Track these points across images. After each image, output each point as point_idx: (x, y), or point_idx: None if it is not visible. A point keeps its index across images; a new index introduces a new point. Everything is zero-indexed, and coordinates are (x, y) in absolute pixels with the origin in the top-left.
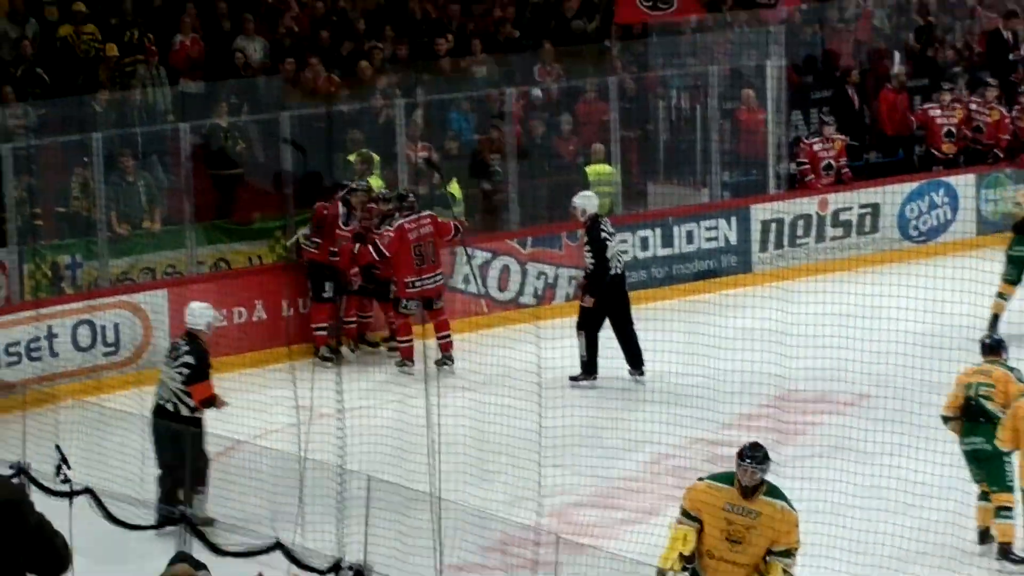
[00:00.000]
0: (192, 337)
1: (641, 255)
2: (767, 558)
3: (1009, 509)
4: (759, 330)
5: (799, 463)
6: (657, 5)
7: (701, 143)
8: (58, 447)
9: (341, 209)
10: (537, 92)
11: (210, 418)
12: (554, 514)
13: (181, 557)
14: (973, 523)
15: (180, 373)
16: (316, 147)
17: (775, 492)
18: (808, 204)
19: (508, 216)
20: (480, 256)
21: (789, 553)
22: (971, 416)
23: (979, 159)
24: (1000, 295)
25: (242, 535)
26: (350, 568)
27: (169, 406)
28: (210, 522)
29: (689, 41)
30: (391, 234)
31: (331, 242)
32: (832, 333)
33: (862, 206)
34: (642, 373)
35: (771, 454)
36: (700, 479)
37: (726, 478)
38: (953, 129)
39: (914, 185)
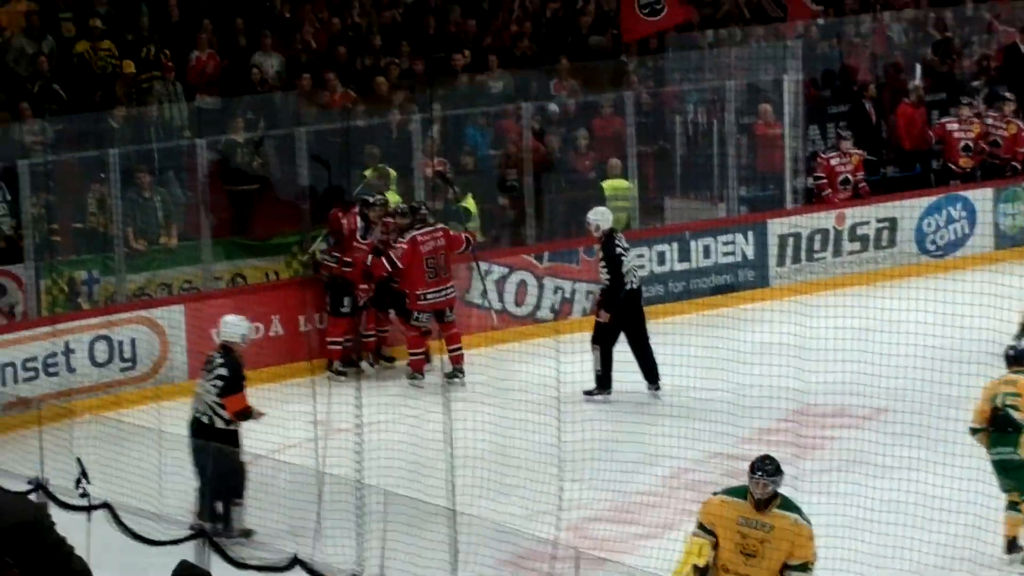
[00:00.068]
0: (226, 350)
1: (658, 270)
2: (784, 573)
3: None
4: (777, 344)
5: (817, 477)
6: (654, 9)
7: (718, 158)
8: (79, 460)
9: (359, 223)
10: (553, 107)
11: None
12: (571, 528)
13: (184, 567)
14: (993, 536)
15: (215, 386)
16: (332, 162)
17: (789, 505)
18: (825, 219)
19: (525, 231)
20: (497, 271)
21: (805, 567)
22: (999, 426)
23: (996, 173)
24: None
25: (261, 550)
26: None
27: (205, 419)
28: (249, 533)
29: (705, 56)
30: (404, 246)
31: (349, 256)
32: (850, 347)
33: (879, 220)
34: (659, 388)
35: (789, 468)
36: (715, 493)
37: (740, 492)
38: (970, 143)
39: (931, 199)
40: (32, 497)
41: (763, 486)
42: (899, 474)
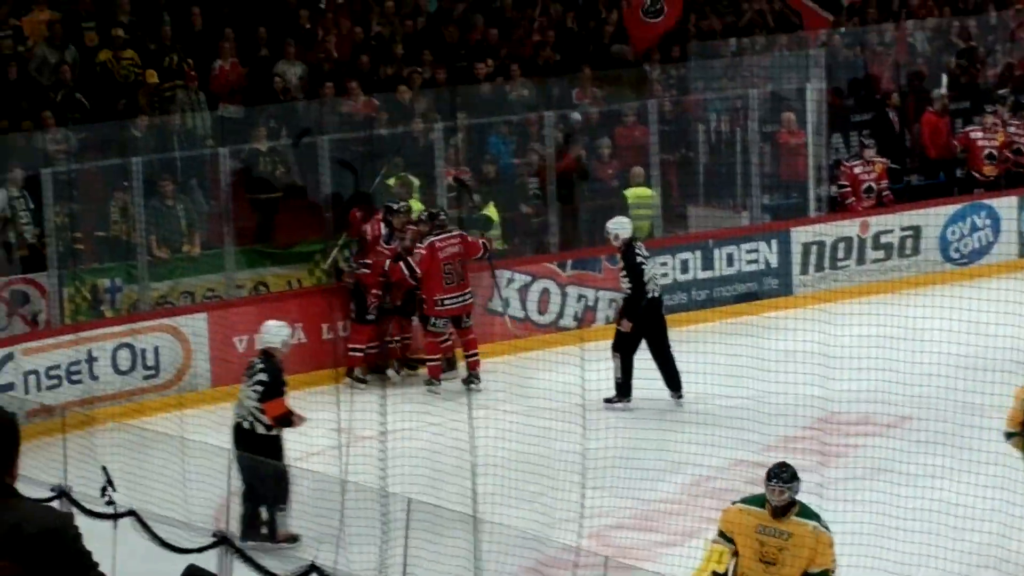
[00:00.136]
0: (267, 355)
1: (681, 278)
2: None
3: None
4: (800, 352)
5: (841, 485)
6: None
7: (741, 166)
8: (104, 468)
9: (383, 229)
10: (576, 116)
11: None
12: (593, 536)
13: (191, 571)
14: (1018, 544)
15: (255, 391)
16: (356, 171)
17: (808, 513)
18: (849, 227)
19: (548, 239)
20: (520, 279)
21: (826, 575)
22: None
23: (1021, 181)
24: None
25: (282, 557)
26: None
27: (246, 424)
28: (294, 539)
29: (729, 64)
30: (422, 252)
31: (371, 260)
32: (874, 355)
33: (903, 229)
34: (682, 395)
35: (814, 476)
36: (733, 502)
37: (758, 500)
38: (994, 151)
39: (956, 207)
40: (56, 504)
41: (779, 493)
42: (923, 482)
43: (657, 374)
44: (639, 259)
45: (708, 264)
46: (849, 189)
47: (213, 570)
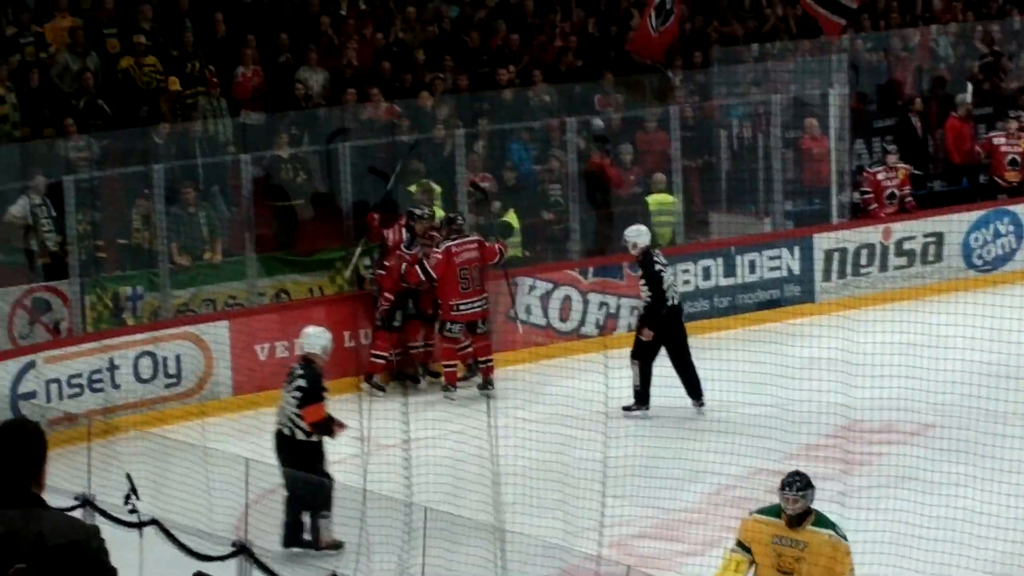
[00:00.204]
0: (307, 361)
1: (703, 285)
2: None
3: None
4: (823, 360)
5: (865, 493)
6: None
7: (763, 172)
8: (128, 476)
9: (405, 235)
10: (599, 122)
11: (270, 448)
12: (615, 545)
13: None
14: None
15: (295, 397)
16: (377, 178)
17: (823, 521)
18: (872, 233)
19: (569, 246)
20: (541, 286)
21: None
22: None
23: None
24: None
25: (304, 566)
26: None
27: (286, 431)
28: (338, 545)
29: (751, 70)
30: (438, 256)
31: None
32: (897, 363)
33: (926, 235)
34: (703, 403)
35: (836, 484)
36: (751, 513)
37: (773, 510)
38: (1017, 157)
39: (979, 214)
40: (79, 513)
41: (794, 502)
42: (947, 490)
43: (678, 382)
44: (658, 267)
45: (730, 271)
46: (872, 195)
47: None
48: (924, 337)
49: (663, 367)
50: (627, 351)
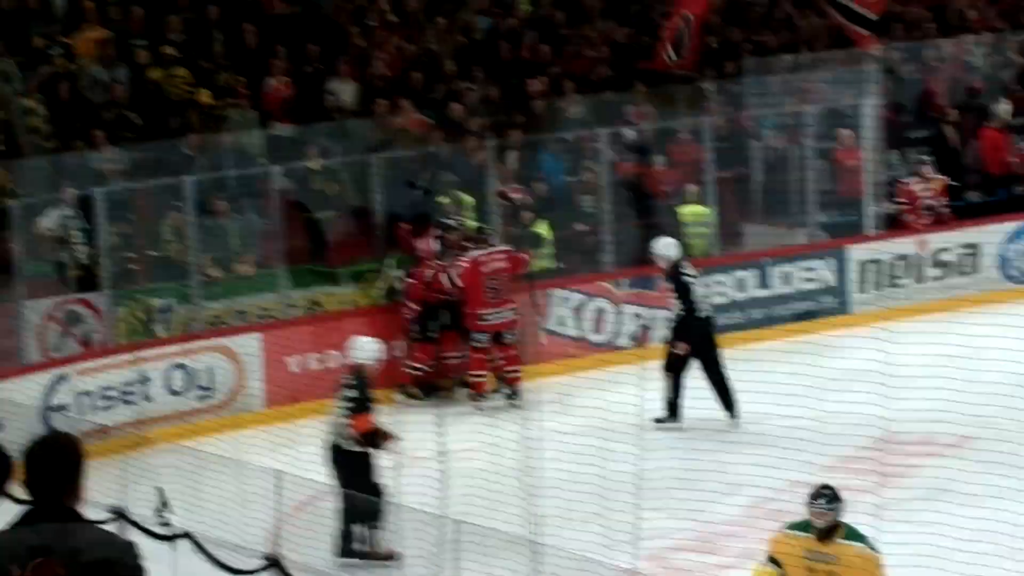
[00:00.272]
0: (357, 371)
1: (738, 297)
2: None
3: None
4: (859, 371)
5: (902, 506)
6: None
7: (797, 183)
8: (160, 490)
9: (436, 246)
10: (630, 133)
11: (303, 460)
12: (652, 558)
13: None
14: None
15: (344, 407)
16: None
17: (854, 534)
18: (907, 244)
19: (603, 257)
20: (575, 298)
21: None
22: None
23: None
24: None
25: None
26: None
27: (337, 441)
28: (392, 556)
29: (784, 81)
30: (464, 265)
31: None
32: (934, 374)
33: (962, 246)
34: (737, 416)
35: (873, 497)
36: (782, 529)
37: (803, 526)
38: None
39: (1015, 225)
40: (113, 526)
41: (822, 515)
42: (985, 503)
43: (712, 394)
44: (687, 279)
45: (764, 283)
46: (907, 206)
47: None
48: (961, 348)
49: (697, 378)
50: (658, 363)
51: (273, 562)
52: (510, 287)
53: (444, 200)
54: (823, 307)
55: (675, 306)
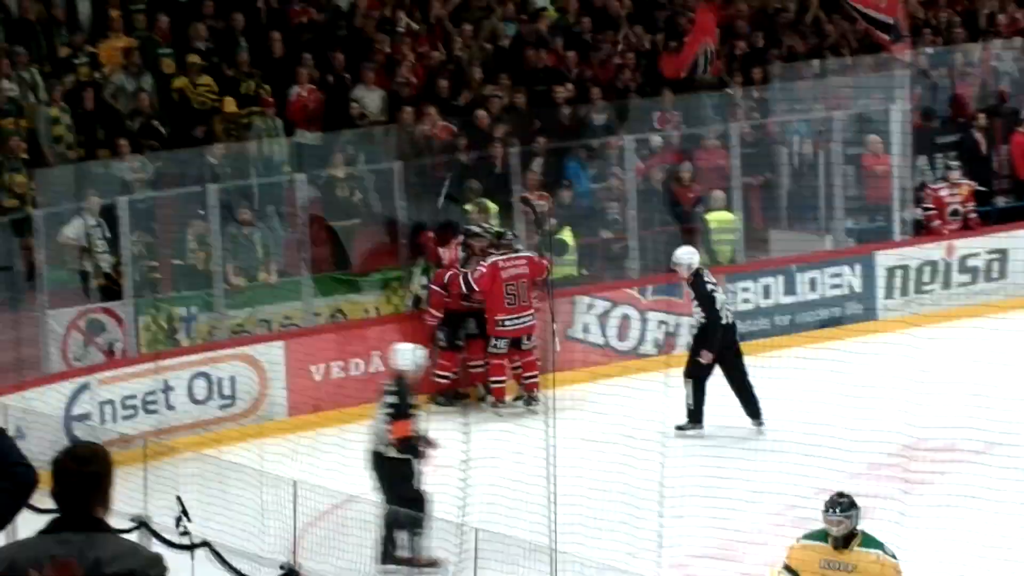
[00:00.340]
0: (398, 377)
1: (764, 303)
2: None
3: None
4: (885, 378)
5: (928, 513)
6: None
7: (824, 189)
8: (179, 499)
9: (460, 253)
10: (657, 139)
11: (325, 470)
12: (676, 566)
13: None
14: None
15: (385, 414)
16: (434, 196)
17: (871, 541)
18: (935, 250)
19: (628, 264)
20: (599, 305)
21: None
22: None
23: None
24: None
25: None
26: None
27: (378, 448)
28: (435, 564)
29: (812, 86)
30: (483, 269)
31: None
32: (961, 380)
33: (990, 252)
34: (762, 423)
35: (899, 504)
36: (799, 539)
37: (820, 535)
38: None
39: None
40: (135, 536)
41: (838, 523)
42: (1012, 509)
43: (736, 400)
44: (710, 287)
45: (791, 289)
46: (935, 212)
47: None
48: (988, 354)
49: (720, 385)
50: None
51: (290, 572)
52: (529, 293)
53: (469, 207)
54: (850, 314)
55: (697, 314)
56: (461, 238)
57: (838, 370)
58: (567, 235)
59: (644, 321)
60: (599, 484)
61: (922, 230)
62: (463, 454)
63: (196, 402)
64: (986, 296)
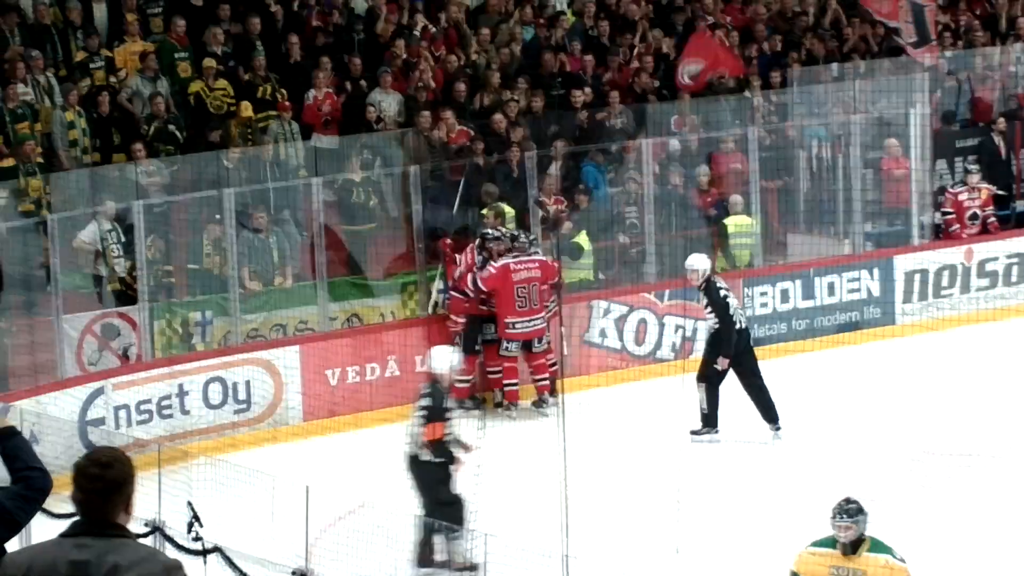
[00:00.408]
0: (433, 381)
1: (782, 307)
2: None
3: None
4: (903, 382)
5: (944, 516)
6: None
7: (843, 193)
8: (190, 504)
9: (477, 257)
10: (675, 143)
11: (340, 474)
12: (689, 572)
13: None
14: None
15: (419, 416)
16: (451, 201)
17: (879, 547)
18: (954, 254)
19: (645, 269)
20: (617, 309)
21: None
22: None
23: None
24: None
25: None
26: None
27: (414, 451)
28: (473, 568)
29: (831, 90)
30: (492, 270)
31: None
32: (979, 385)
33: (1009, 256)
34: (779, 427)
35: (916, 508)
36: (806, 547)
37: (828, 542)
38: None
39: None
40: (149, 540)
41: (846, 529)
42: None
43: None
44: (723, 292)
45: (809, 293)
46: (954, 216)
47: None
48: (1007, 359)
49: (736, 390)
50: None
51: None
52: (541, 296)
53: (485, 212)
54: (868, 318)
55: (711, 319)
56: (477, 242)
57: (856, 375)
58: (582, 239)
59: (662, 325)
60: (614, 488)
61: (941, 234)
62: (476, 458)
63: (211, 407)
64: (1005, 300)
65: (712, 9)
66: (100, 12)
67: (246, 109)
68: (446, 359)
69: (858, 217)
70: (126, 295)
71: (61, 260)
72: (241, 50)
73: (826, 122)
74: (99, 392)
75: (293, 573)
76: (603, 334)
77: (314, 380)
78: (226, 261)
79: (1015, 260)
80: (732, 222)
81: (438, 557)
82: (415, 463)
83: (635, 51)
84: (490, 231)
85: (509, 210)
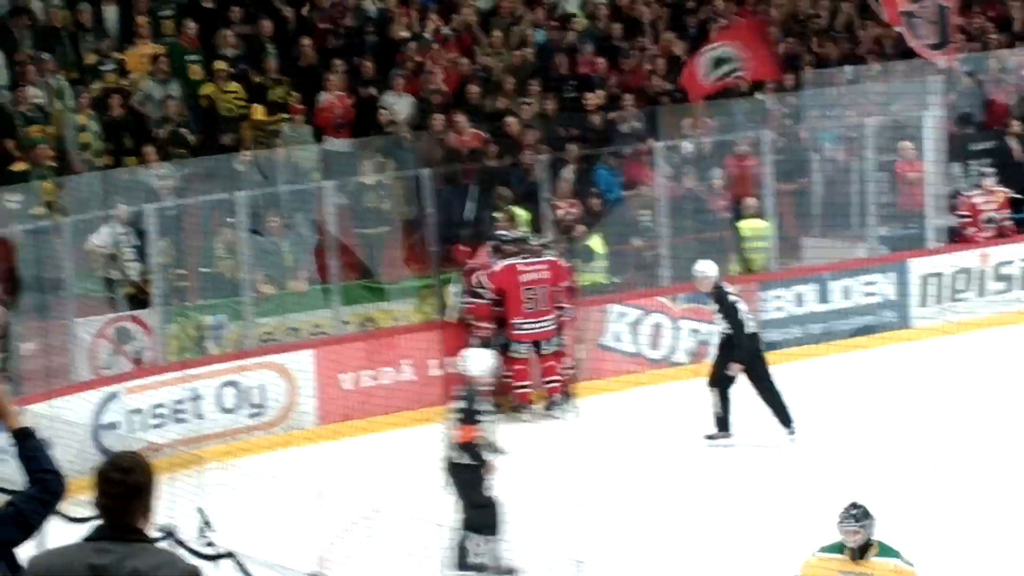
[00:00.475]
0: (468, 383)
1: (796, 311)
2: None
3: None
4: (919, 386)
5: (961, 521)
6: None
7: (858, 196)
8: (200, 510)
9: (490, 260)
10: (688, 146)
11: (355, 479)
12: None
13: None
14: None
15: (455, 420)
16: (463, 204)
17: (888, 551)
18: (969, 258)
19: (660, 272)
20: (631, 313)
21: None
22: None
23: None
24: None
25: None
26: None
27: (451, 455)
28: (511, 571)
29: (844, 92)
30: (497, 269)
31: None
32: (995, 388)
33: None
34: (793, 431)
35: (932, 514)
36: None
37: (836, 547)
38: None
39: None
40: (164, 544)
41: (854, 533)
42: None
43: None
44: (732, 297)
45: (824, 297)
46: (969, 219)
47: None
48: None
49: (751, 394)
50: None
51: None
52: (550, 299)
53: (498, 215)
54: (883, 322)
55: (722, 325)
56: (490, 246)
57: (871, 379)
58: (595, 242)
59: (676, 330)
60: (630, 493)
61: (956, 237)
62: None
63: (225, 411)
64: (1021, 304)
65: (724, 11)
66: (111, 15)
67: (258, 112)
68: (482, 362)
69: (873, 220)
70: (139, 299)
71: (74, 264)
72: (252, 53)
73: (840, 125)
74: (113, 396)
75: None
76: (618, 338)
77: (328, 384)
78: (239, 265)
79: None
80: (747, 225)
81: (475, 560)
82: (452, 466)
83: (647, 54)
84: (503, 234)
85: (523, 213)
